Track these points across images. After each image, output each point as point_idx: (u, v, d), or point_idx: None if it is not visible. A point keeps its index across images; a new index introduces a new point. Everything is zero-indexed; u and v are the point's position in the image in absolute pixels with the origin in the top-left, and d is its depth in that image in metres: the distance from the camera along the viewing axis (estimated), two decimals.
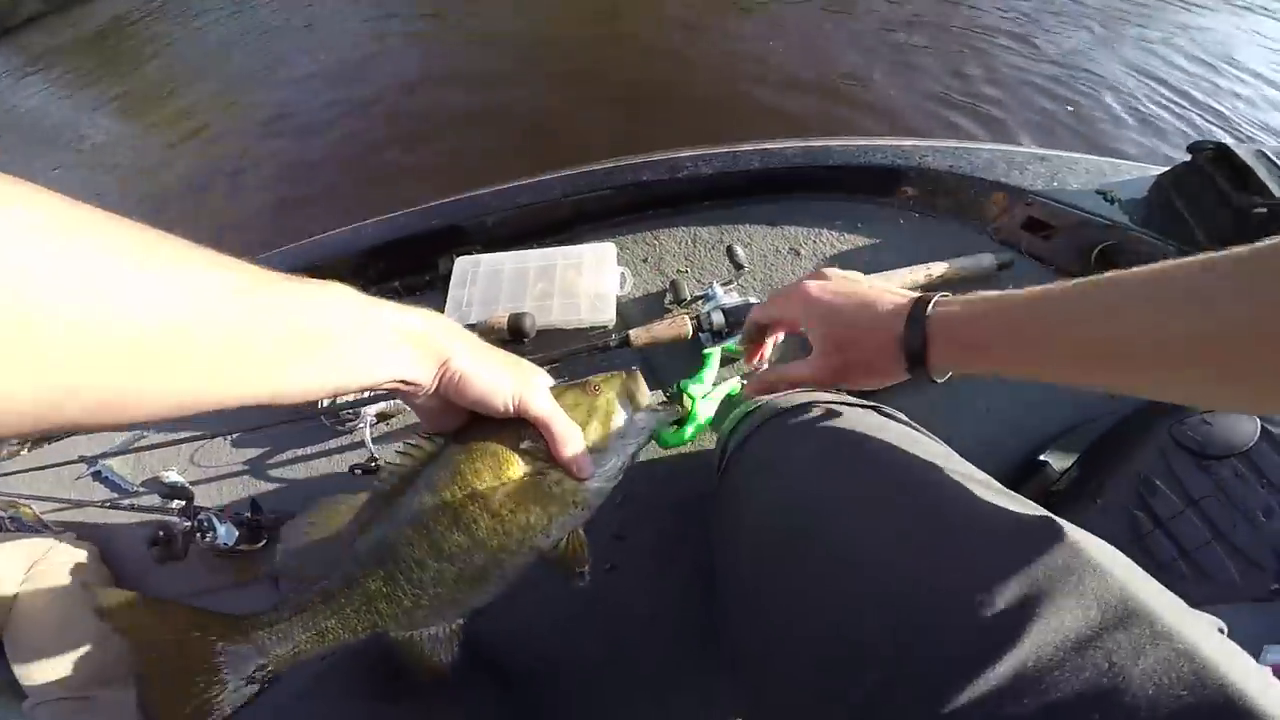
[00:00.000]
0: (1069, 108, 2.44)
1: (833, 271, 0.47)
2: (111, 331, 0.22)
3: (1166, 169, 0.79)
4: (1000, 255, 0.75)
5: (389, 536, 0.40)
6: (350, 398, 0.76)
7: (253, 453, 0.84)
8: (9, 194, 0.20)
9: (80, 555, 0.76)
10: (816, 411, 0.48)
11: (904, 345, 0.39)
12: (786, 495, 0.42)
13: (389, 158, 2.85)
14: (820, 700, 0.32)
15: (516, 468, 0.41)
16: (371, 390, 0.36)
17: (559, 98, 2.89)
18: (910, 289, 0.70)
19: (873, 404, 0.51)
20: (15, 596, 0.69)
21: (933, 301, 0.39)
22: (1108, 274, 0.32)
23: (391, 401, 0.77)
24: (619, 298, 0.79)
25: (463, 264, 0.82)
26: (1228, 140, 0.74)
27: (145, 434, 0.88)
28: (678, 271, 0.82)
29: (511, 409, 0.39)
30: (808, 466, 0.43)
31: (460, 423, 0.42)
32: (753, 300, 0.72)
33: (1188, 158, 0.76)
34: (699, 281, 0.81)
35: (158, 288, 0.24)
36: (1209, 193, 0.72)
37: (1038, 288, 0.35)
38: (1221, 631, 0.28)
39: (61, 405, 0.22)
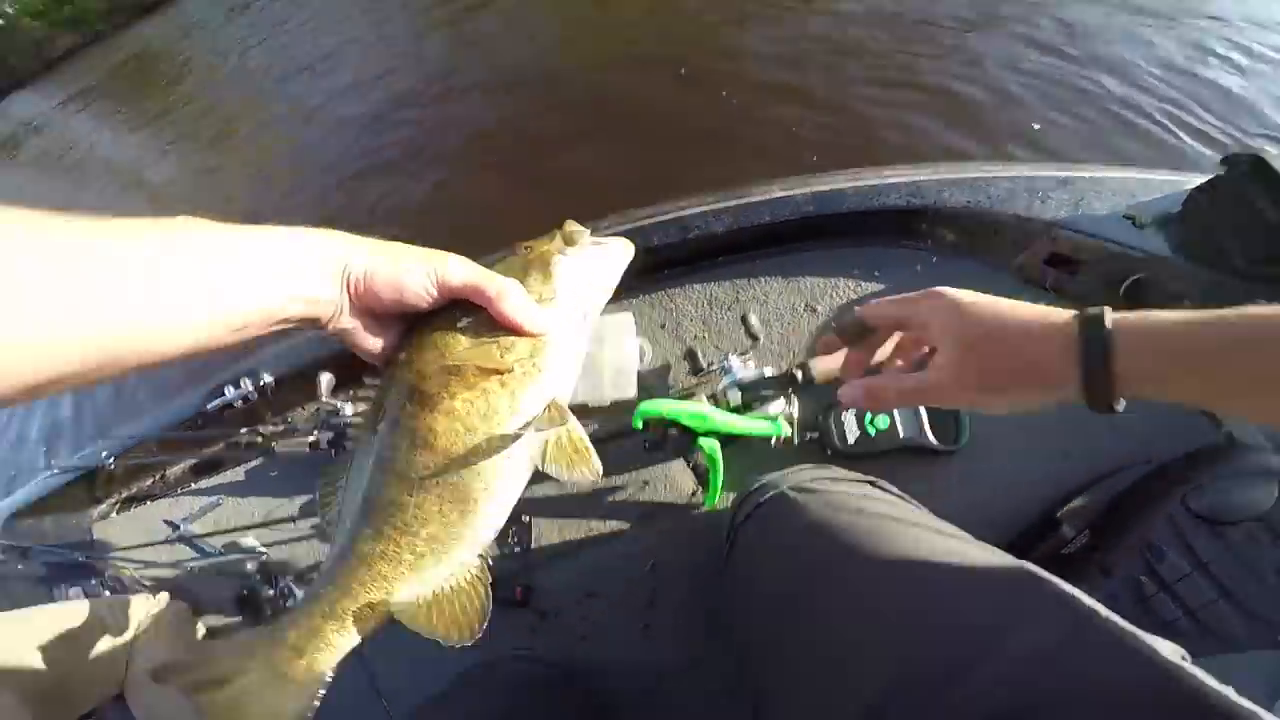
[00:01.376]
0: (1082, 111, 2.13)
1: (948, 290, 0.42)
2: None
3: (1200, 181, 0.75)
4: (1023, 295, 0.75)
5: (364, 488, 0.36)
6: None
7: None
8: None
9: (177, 614, 0.84)
10: (817, 486, 0.58)
11: (1082, 356, 0.35)
12: (789, 562, 0.53)
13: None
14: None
15: (462, 349, 0.35)
16: (279, 322, 0.33)
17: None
18: None
19: (869, 478, 0.61)
20: (129, 657, 0.77)
21: (1106, 313, 0.35)
22: None
23: None
24: (639, 372, 0.81)
25: None
26: (1269, 149, 0.70)
27: (221, 500, 0.96)
28: (694, 337, 0.85)
29: (433, 289, 0.35)
30: (806, 535, 0.53)
31: (395, 336, 0.38)
32: (769, 372, 0.74)
33: (1222, 170, 0.72)
34: (716, 348, 0.84)
35: None
36: (1244, 210, 0.69)
37: (1207, 312, 0.33)
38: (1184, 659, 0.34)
39: None
